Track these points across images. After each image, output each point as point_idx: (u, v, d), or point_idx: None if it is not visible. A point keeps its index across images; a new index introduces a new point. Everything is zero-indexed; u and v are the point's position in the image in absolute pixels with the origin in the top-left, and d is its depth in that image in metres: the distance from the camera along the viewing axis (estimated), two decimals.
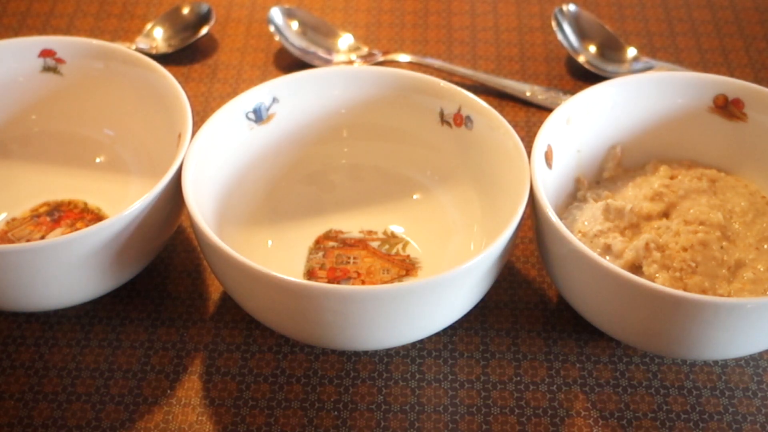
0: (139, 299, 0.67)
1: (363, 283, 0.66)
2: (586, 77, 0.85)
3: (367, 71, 0.70)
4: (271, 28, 0.88)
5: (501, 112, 0.66)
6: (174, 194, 0.61)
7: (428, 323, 0.59)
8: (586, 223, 0.65)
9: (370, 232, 0.70)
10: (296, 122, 0.70)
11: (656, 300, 0.54)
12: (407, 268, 0.68)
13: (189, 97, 0.66)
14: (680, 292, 0.54)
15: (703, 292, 0.59)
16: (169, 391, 0.62)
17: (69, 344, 0.64)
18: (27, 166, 0.73)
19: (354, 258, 0.68)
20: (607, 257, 0.62)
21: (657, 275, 0.60)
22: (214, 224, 0.62)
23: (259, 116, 0.68)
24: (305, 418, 0.60)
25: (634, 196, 0.66)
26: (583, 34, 0.88)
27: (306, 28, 0.89)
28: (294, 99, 0.69)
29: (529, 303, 0.67)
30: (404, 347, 0.64)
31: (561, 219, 0.62)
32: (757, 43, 0.90)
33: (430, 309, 0.57)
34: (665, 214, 0.64)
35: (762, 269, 0.61)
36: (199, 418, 0.60)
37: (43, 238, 0.68)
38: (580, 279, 0.59)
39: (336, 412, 0.60)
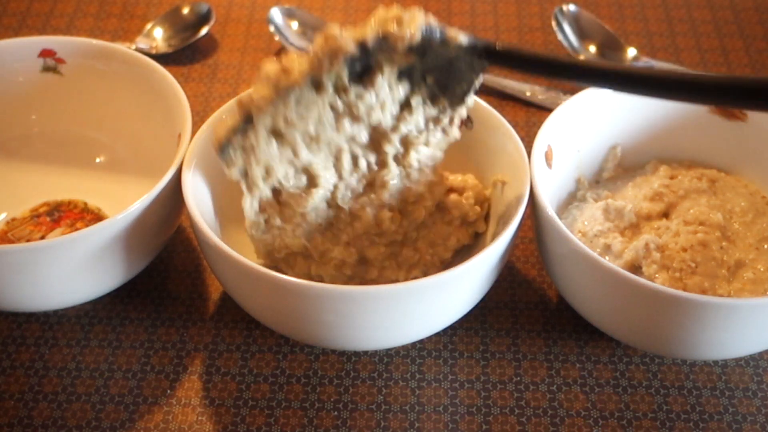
0: (139, 299, 0.67)
1: None
2: None
3: None
4: (271, 28, 0.88)
5: (501, 112, 0.66)
6: (174, 194, 0.61)
7: (428, 323, 0.59)
8: (586, 223, 0.65)
9: None
10: None
11: (656, 300, 0.54)
12: None
13: (189, 97, 0.66)
14: (680, 292, 0.54)
15: (703, 292, 0.59)
16: (169, 391, 0.62)
17: (69, 344, 0.64)
18: (27, 166, 0.73)
19: None
20: (607, 257, 0.62)
21: (657, 275, 0.60)
22: (214, 224, 0.62)
23: None
24: (305, 418, 0.60)
25: (634, 196, 0.66)
26: (583, 34, 0.88)
27: (306, 28, 0.89)
28: None
29: (529, 303, 0.67)
30: (404, 347, 0.64)
31: (561, 219, 0.62)
32: (757, 43, 0.90)
33: (430, 309, 0.57)
34: (665, 214, 0.64)
35: (762, 269, 0.61)
36: (199, 418, 0.60)
37: (43, 238, 0.68)
38: (580, 279, 0.59)
39: (336, 412, 0.60)
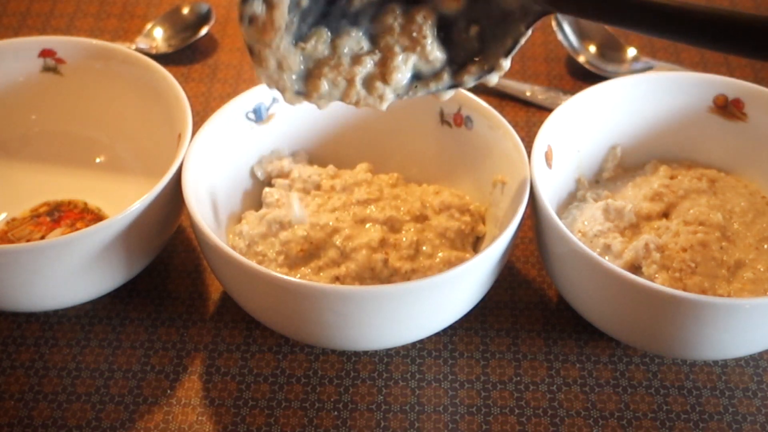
0: (139, 299, 0.67)
1: None
2: (586, 77, 0.85)
3: None
4: None
5: (501, 112, 0.66)
6: (174, 194, 0.61)
7: (428, 323, 0.59)
8: (586, 223, 0.65)
9: None
10: (296, 122, 0.70)
11: (656, 300, 0.54)
12: None
13: (189, 97, 0.66)
14: (680, 292, 0.54)
15: (703, 292, 0.59)
16: (169, 391, 0.62)
17: (69, 344, 0.64)
18: (27, 166, 0.73)
19: None
20: (607, 257, 0.62)
21: (657, 275, 0.60)
22: (214, 224, 0.62)
23: (259, 116, 0.68)
24: (305, 418, 0.60)
25: (634, 196, 0.66)
26: (583, 34, 0.88)
27: None
28: None
29: (529, 303, 0.67)
30: (404, 347, 0.64)
31: (561, 219, 0.62)
32: None
33: (430, 309, 0.57)
34: (665, 214, 0.64)
35: (762, 269, 0.61)
36: (199, 418, 0.60)
37: (43, 238, 0.68)
38: (580, 279, 0.59)
39: (336, 412, 0.60)
